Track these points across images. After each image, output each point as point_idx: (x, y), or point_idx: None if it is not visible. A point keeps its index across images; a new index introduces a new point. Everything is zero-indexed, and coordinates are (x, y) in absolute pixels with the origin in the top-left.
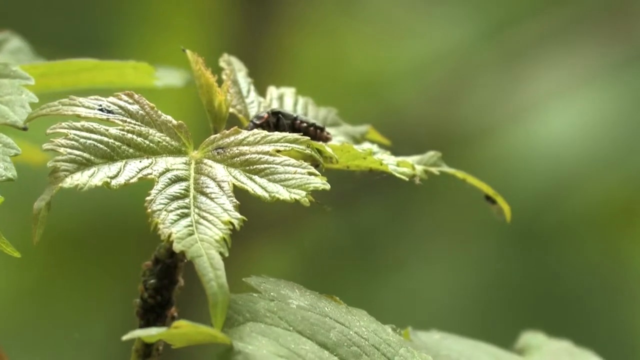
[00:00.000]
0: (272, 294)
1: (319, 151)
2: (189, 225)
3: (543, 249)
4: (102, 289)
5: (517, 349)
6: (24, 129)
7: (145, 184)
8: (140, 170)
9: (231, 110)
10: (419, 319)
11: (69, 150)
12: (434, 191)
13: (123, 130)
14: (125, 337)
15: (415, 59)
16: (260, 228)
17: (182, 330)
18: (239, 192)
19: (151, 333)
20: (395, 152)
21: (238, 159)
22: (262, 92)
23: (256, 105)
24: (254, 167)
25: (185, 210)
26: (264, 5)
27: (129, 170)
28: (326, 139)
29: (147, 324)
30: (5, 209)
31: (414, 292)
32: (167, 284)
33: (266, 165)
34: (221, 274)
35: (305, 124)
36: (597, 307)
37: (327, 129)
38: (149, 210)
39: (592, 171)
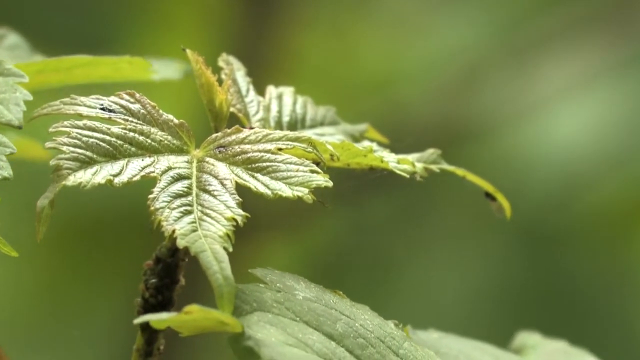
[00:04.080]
0: (278, 285)
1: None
2: (193, 222)
3: (550, 248)
4: (104, 288)
5: (512, 348)
6: (19, 127)
7: (149, 182)
8: (143, 168)
9: (231, 109)
10: (423, 318)
11: (71, 148)
12: (440, 190)
13: (125, 129)
14: (136, 321)
15: (424, 58)
16: (265, 226)
17: (193, 316)
18: (244, 190)
19: (162, 317)
20: (404, 150)
21: (240, 157)
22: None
23: (255, 104)
24: (256, 165)
25: (188, 208)
26: (268, 4)
27: (131, 169)
28: None
29: (147, 323)
30: (8, 206)
31: (418, 291)
32: (169, 283)
33: (268, 163)
34: (226, 266)
35: None
36: (606, 308)
37: (326, 128)
38: (152, 207)
39: (601, 170)
